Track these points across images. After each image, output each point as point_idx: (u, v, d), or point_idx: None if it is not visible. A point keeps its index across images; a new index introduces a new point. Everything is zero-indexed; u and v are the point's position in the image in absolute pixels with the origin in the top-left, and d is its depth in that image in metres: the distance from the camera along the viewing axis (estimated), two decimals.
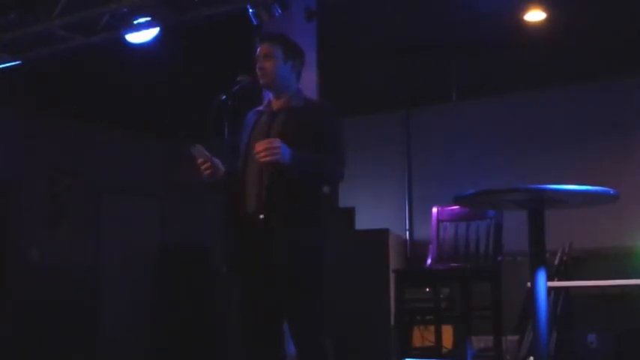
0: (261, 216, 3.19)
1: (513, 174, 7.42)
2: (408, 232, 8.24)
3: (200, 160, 3.27)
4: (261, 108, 3.46)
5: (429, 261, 4.81)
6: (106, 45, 5.82)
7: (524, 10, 6.24)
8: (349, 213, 6.57)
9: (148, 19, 5.51)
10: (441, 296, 5.28)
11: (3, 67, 6.24)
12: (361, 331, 6.00)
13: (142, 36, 5.67)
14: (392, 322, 5.89)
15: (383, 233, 6.53)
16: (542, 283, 3.41)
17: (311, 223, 3.20)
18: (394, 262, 6.62)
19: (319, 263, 3.20)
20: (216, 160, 3.27)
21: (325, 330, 3.19)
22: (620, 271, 6.47)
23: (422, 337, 6.25)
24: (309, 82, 4.83)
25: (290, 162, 3.08)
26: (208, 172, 3.25)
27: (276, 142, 3.07)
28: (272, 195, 3.19)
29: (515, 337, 6.35)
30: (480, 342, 5.15)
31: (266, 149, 3.06)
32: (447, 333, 5.59)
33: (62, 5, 5.57)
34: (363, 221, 6.71)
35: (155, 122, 8.73)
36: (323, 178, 3.29)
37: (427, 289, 5.57)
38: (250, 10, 5.07)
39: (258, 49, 3.36)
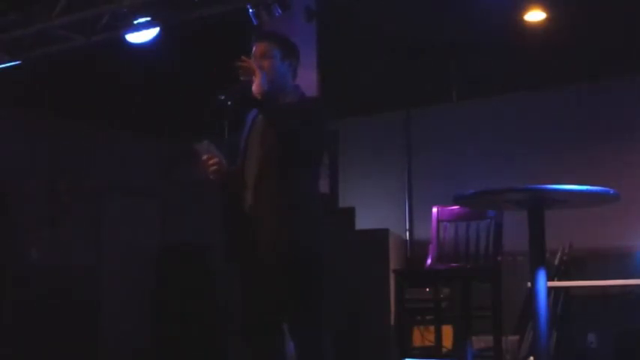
0: (250, 204, 3.17)
1: (513, 174, 7.42)
2: (408, 232, 8.23)
3: (205, 157, 3.22)
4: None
5: (429, 261, 4.81)
6: (106, 45, 5.83)
7: (524, 10, 6.24)
8: (349, 213, 6.55)
9: (148, 19, 5.53)
10: (441, 296, 5.28)
11: (3, 67, 6.25)
12: (361, 331, 6.00)
13: (142, 36, 5.68)
14: (392, 322, 5.90)
15: (383, 233, 6.53)
16: (542, 283, 3.41)
17: (298, 212, 3.14)
18: (394, 262, 6.61)
19: (310, 254, 3.15)
20: (221, 157, 3.22)
21: (325, 330, 3.19)
22: (620, 271, 6.47)
23: (422, 337, 6.26)
24: (309, 82, 4.83)
25: (267, 92, 3.13)
26: (214, 168, 3.21)
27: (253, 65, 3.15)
28: (261, 184, 3.16)
29: (516, 337, 6.36)
30: (480, 342, 5.14)
31: (245, 66, 3.14)
32: (447, 333, 5.58)
33: (62, 5, 5.58)
34: (363, 221, 6.70)
35: (155, 122, 8.72)
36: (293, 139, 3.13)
37: (427, 289, 5.57)
38: (250, 10, 5.08)
39: (254, 48, 3.32)
